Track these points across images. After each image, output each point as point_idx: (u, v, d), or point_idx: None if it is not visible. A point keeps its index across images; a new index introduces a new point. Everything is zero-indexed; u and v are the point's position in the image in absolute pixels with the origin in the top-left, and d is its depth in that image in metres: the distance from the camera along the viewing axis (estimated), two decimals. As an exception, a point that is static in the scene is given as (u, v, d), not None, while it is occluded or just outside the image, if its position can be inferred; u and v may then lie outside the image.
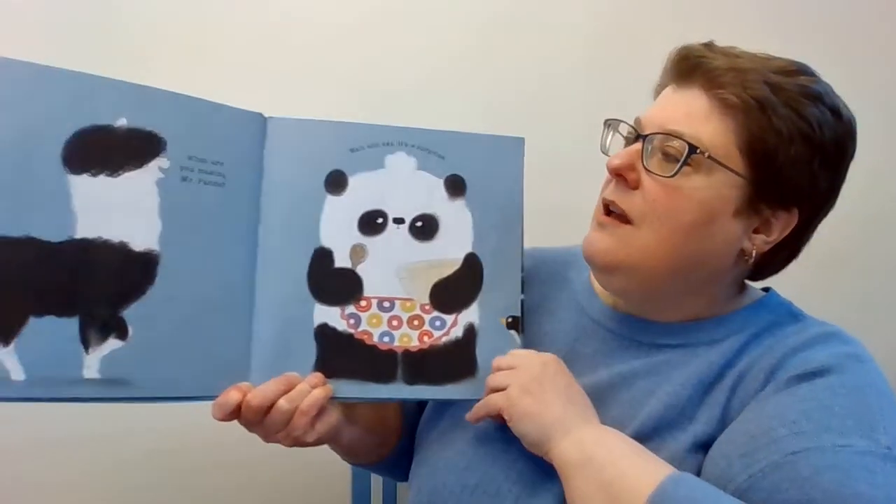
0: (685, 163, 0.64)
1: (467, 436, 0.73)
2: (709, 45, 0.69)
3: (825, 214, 0.71)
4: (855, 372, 0.62)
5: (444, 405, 0.78)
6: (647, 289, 0.71)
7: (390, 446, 0.87)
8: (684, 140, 0.64)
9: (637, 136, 0.69)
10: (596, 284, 0.79)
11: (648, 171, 0.67)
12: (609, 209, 0.70)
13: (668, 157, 0.66)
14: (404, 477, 0.84)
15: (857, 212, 1.21)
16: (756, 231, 0.68)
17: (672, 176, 0.65)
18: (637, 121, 0.71)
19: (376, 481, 1.13)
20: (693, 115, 0.66)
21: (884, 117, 1.26)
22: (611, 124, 0.74)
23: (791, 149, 0.64)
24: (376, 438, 0.85)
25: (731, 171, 0.65)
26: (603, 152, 0.73)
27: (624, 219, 0.69)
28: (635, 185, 0.68)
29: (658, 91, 0.73)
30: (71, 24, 1.10)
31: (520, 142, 0.76)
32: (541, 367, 0.68)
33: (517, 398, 0.66)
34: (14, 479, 1.11)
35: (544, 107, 1.21)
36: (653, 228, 0.67)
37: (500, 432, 0.70)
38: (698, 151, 0.64)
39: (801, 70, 0.67)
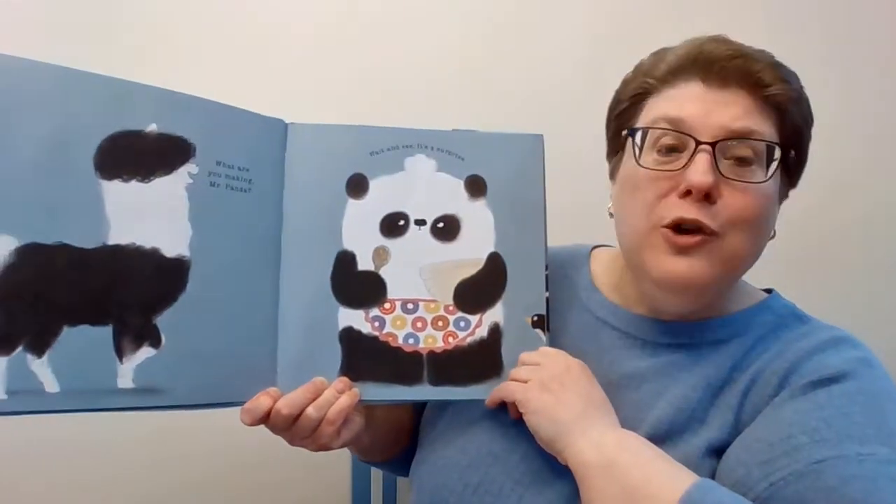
0: (777, 164, 0.66)
1: (469, 434, 0.74)
2: (727, 42, 0.68)
3: None
4: (868, 378, 0.62)
5: (446, 403, 0.78)
6: (716, 296, 0.71)
7: (403, 445, 0.88)
8: (766, 141, 0.65)
9: (697, 143, 0.65)
10: (598, 281, 0.80)
11: (728, 178, 0.65)
12: (682, 228, 0.66)
13: (742, 161, 0.65)
14: None
15: (857, 212, 1.27)
16: None
17: (766, 180, 0.65)
18: (669, 124, 0.67)
19: (376, 481, 1.14)
20: (750, 113, 0.66)
21: (885, 117, 1.31)
22: (639, 132, 0.69)
23: (808, 133, 0.70)
24: (392, 438, 0.86)
25: (785, 163, 0.68)
26: (640, 166, 0.68)
27: (707, 233, 0.65)
28: (717, 198, 0.65)
29: (641, 90, 0.71)
30: (72, 24, 1.08)
31: (539, 139, 0.76)
32: (564, 368, 0.68)
33: (535, 393, 0.66)
34: (21, 483, 1.10)
35: (554, 107, 1.23)
36: (742, 236, 0.66)
37: (503, 430, 0.71)
38: (783, 149, 0.67)
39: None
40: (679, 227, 0.66)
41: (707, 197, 0.65)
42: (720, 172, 0.65)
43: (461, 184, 0.75)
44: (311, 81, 1.18)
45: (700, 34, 0.70)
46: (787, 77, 0.67)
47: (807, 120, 0.70)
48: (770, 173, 0.66)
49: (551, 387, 0.66)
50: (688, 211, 0.65)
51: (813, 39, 1.23)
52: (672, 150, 0.67)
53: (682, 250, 0.66)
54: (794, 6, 1.31)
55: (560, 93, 1.25)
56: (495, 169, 0.75)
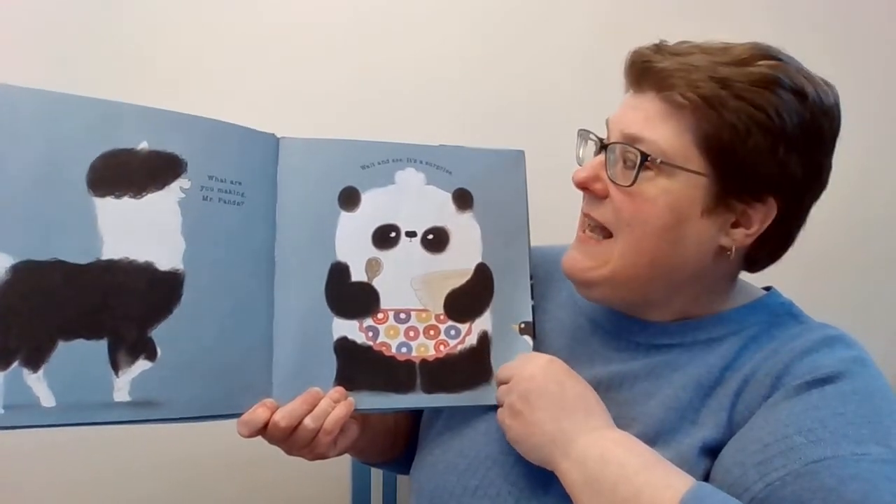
0: (640, 170, 0.65)
1: (466, 437, 0.74)
2: (658, 47, 0.68)
3: (815, 198, 0.69)
4: (862, 377, 0.62)
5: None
6: (628, 296, 0.71)
7: (401, 447, 0.89)
8: (636, 148, 0.65)
9: (601, 146, 0.70)
10: None
11: (611, 180, 0.68)
12: (588, 223, 0.71)
13: (628, 164, 0.67)
14: None
15: (854, 212, 1.28)
16: (735, 225, 0.67)
17: (631, 185, 0.66)
18: (607, 127, 0.71)
19: (376, 481, 1.14)
20: (650, 119, 0.66)
21: (883, 118, 1.33)
22: (582, 135, 0.75)
23: (749, 140, 0.62)
24: (388, 441, 0.87)
25: (691, 171, 0.64)
26: (578, 163, 0.74)
27: (603, 232, 0.70)
28: (604, 195, 0.69)
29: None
30: (67, 42, 1.10)
31: (521, 154, 0.79)
32: (528, 380, 0.67)
33: (509, 421, 0.67)
34: (21, 481, 1.11)
35: (543, 109, 1.25)
36: (625, 237, 0.68)
37: (500, 433, 0.71)
38: (649, 159, 0.65)
39: (762, 55, 0.65)
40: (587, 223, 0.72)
41: (594, 193, 0.70)
42: (607, 173, 0.68)
43: (449, 197, 0.76)
44: (303, 91, 1.20)
45: (697, 35, 0.70)
46: (698, 81, 0.63)
47: (736, 128, 0.62)
48: (633, 179, 0.65)
49: (517, 408, 0.66)
50: (585, 205, 0.72)
51: (810, 34, 1.23)
52: (597, 152, 0.72)
53: (580, 244, 0.73)
54: (794, 1, 1.33)
55: (548, 97, 1.27)
56: (481, 183, 0.77)
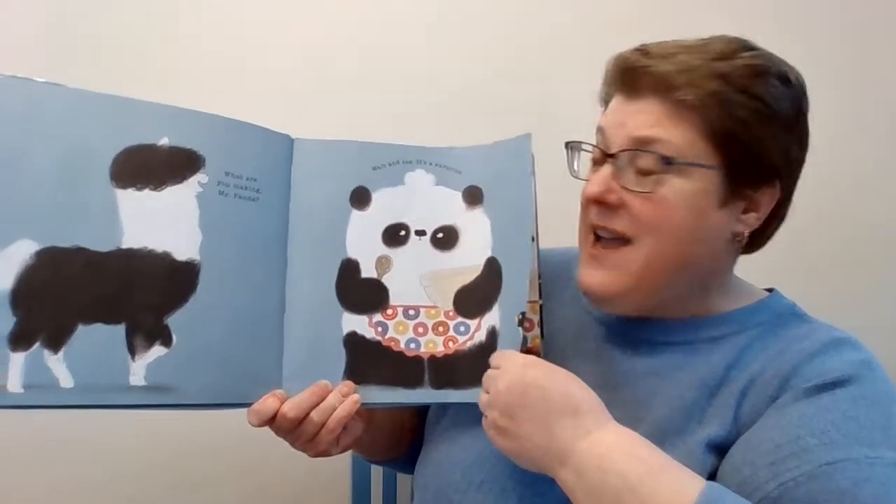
0: (661, 173, 0.66)
1: (472, 432, 0.74)
2: (644, 51, 0.69)
3: (800, 174, 0.73)
4: (872, 381, 0.62)
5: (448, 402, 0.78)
6: (650, 301, 0.71)
7: (406, 444, 0.89)
8: (656, 152, 0.65)
9: (605, 155, 0.69)
10: None
11: (627, 189, 0.67)
12: (598, 235, 0.70)
13: (642, 171, 0.67)
14: None
15: (854, 213, 1.27)
16: (745, 211, 0.69)
17: (653, 190, 0.66)
18: (600, 135, 0.70)
19: (376, 481, 1.14)
20: (657, 122, 0.66)
21: (885, 121, 1.33)
22: (574, 146, 0.74)
23: (755, 130, 0.65)
24: (394, 438, 0.87)
25: (706, 166, 0.66)
26: (574, 176, 0.74)
27: (620, 241, 0.69)
28: (618, 205, 0.68)
29: (604, 100, 0.74)
30: (83, 45, 1.14)
31: (526, 138, 0.76)
32: (506, 392, 0.63)
33: (498, 440, 0.64)
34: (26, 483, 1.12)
35: (548, 109, 1.25)
36: (648, 243, 0.67)
37: None
38: (673, 161, 0.65)
39: (742, 47, 0.68)
40: (598, 236, 0.70)
41: (607, 205, 0.68)
42: (620, 182, 0.67)
43: (459, 195, 0.78)
44: (317, 93, 1.22)
45: (698, 33, 0.71)
46: (700, 79, 0.65)
47: (744, 119, 0.65)
48: (655, 183, 0.66)
49: (502, 425, 0.63)
50: (597, 218, 0.69)
51: (823, 35, 1.25)
52: (597, 161, 0.72)
53: (595, 260, 0.70)
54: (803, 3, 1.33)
55: (550, 95, 1.28)
56: (490, 177, 0.78)
